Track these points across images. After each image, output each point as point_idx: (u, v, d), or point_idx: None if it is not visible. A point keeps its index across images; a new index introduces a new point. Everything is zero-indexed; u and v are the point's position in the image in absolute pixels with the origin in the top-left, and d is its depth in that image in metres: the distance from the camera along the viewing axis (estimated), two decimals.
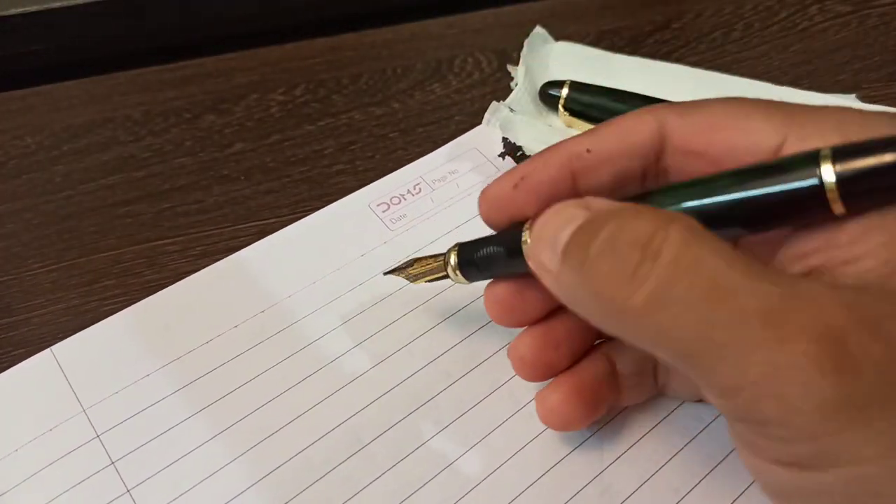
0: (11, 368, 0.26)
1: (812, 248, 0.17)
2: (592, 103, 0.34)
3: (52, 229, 0.31)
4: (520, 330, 0.23)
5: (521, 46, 0.37)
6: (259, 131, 0.36)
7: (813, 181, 0.16)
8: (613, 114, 0.22)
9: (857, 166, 0.15)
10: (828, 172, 0.16)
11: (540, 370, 0.23)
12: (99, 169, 0.34)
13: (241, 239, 0.31)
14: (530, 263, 0.20)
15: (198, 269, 0.29)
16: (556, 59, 0.38)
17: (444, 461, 0.24)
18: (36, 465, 0.23)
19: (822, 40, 0.40)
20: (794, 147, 0.18)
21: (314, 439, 0.24)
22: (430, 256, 0.25)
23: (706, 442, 0.24)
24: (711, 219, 0.18)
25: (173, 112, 0.36)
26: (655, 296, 0.15)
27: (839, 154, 0.16)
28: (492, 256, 0.22)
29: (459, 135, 0.35)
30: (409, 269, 0.25)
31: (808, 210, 0.17)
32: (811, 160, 0.16)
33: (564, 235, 0.18)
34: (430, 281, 0.25)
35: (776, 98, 0.19)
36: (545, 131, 0.34)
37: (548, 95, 0.35)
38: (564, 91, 0.34)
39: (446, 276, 0.24)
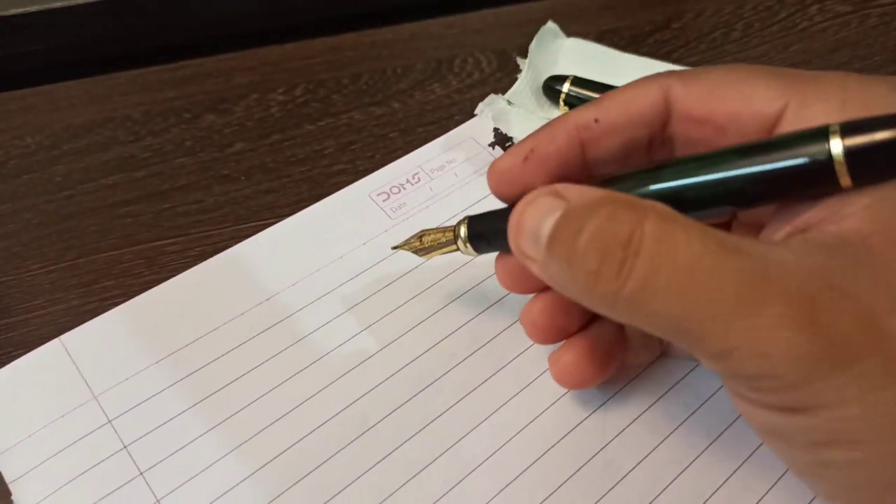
0: (22, 357, 0.26)
1: (805, 208, 0.18)
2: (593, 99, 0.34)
3: (52, 229, 0.31)
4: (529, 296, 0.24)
5: (521, 46, 0.37)
6: (259, 131, 0.36)
7: (822, 155, 0.17)
8: None
9: (864, 141, 0.16)
10: (836, 146, 0.16)
11: (552, 333, 0.24)
12: (99, 169, 0.34)
13: (242, 239, 0.30)
14: (514, 252, 0.20)
15: None
16: (565, 54, 0.38)
17: (451, 439, 0.24)
18: (50, 450, 0.24)
19: (822, 40, 0.40)
20: (795, 112, 0.19)
21: (323, 420, 0.25)
22: (439, 229, 0.25)
23: (705, 416, 0.25)
24: (715, 197, 0.18)
25: (173, 112, 0.36)
26: (640, 288, 0.17)
27: (847, 129, 0.16)
28: (501, 229, 0.23)
29: None
30: (418, 242, 0.26)
31: (814, 184, 0.17)
32: (820, 135, 0.17)
33: (546, 227, 0.19)
34: (439, 254, 0.25)
35: None
36: (540, 125, 0.34)
37: (551, 89, 0.35)
38: (566, 86, 0.34)
39: (455, 249, 0.25)
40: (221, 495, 0.23)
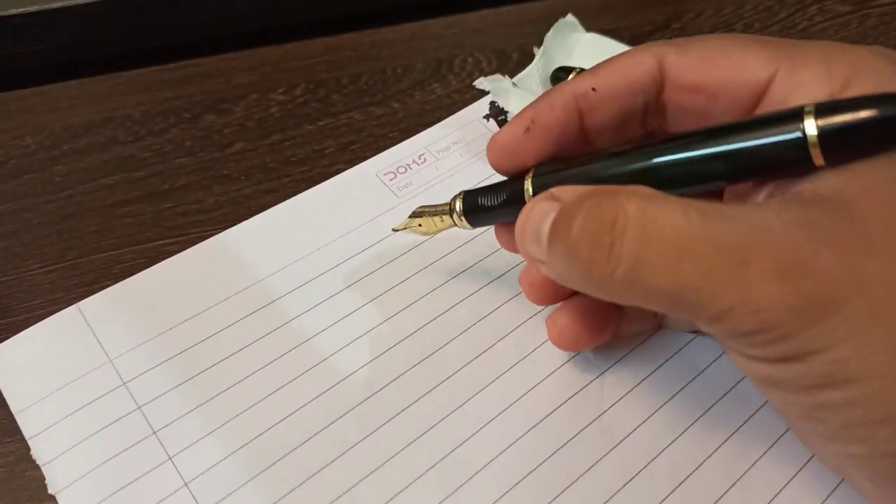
0: (39, 322, 0.27)
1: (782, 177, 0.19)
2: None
3: (52, 229, 0.31)
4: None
5: (522, 46, 0.37)
6: (259, 131, 0.36)
7: (797, 135, 0.17)
8: None
9: (837, 122, 0.17)
10: (811, 127, 0.17)
11: (547, 293, 0.25)
12: (99, 169, 0.34)
13: None
14: (524, 258, 0.21)
15: None
16: (581, 48, 0.38)
17: (455, 403, 0.25)
18: (67, 410, 0.25)
19: (821, 40, 0.40)
20: (784, 78, 0.19)
21: (329, 386, 0.26)
22: (435, 205, 0.26)
23: (700, 387, 0.25)
24: (698, 175, 0.19)
25: (173, 112, 0.36)
26: (632, 266, 0.17)
27: (822, 110, 0.17)
28: (495, 204, 0.24)
29: None
30: (418, 220, 0.27)
31: (790, 163, 0.18)
32: (796, 116, 0.17)
33: (545, 228, 0.19)
34: (438, 230, 0.26)
35: None
36: None
37: (557, 80, 0.35)
38: (571, 77, 0.34)
39: (453, 224, 0.26)
40: (229, 455, 0.24)
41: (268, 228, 0.31)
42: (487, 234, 0.30)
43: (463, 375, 0.26)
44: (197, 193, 0.33)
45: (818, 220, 0.17)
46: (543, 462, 0.24)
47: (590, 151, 0.23)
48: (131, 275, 0.29)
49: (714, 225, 0.17)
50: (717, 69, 0.20)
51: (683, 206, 0.17)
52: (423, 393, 0.25)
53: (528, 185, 0.22)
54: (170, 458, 0.24)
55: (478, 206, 0.24)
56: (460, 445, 0.24)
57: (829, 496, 0.23)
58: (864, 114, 0.17)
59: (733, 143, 0.19)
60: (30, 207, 0.32)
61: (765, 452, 0.24)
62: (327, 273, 0.29)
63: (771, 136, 0.18)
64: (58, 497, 0.23)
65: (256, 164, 0.34)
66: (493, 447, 0.24)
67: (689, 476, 0.23)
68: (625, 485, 0.23)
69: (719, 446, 0.24)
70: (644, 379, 0.26)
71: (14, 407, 0.25)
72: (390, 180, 0.33)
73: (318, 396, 0.25)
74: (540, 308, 0.28)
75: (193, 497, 0.23)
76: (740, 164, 0.19)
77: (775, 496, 0.23)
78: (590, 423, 0.25)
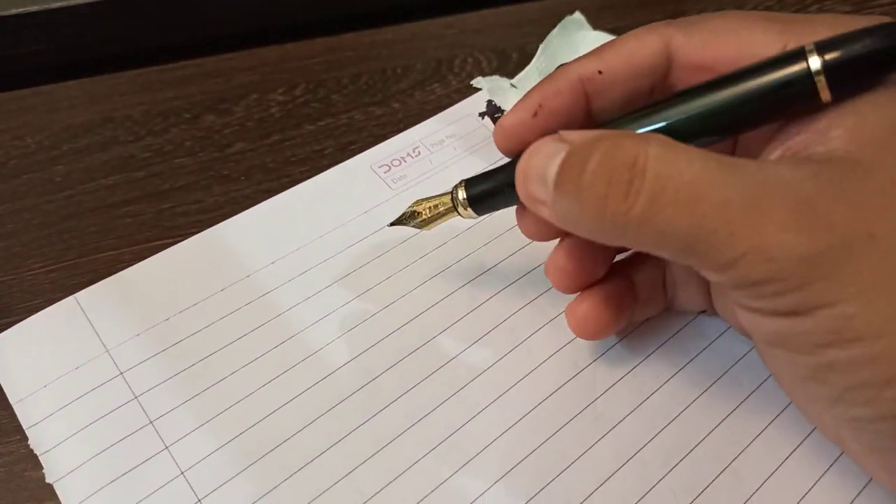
0: (38, 313, 0.27)
1: (794, 134, 0.19)
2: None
3: (52, 229, 0.31)
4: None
5: (521, 46, 0.37)
6: (259, 131, 0.36)
7: (802, 70, 0.18)
8: None
9: (839, 55, 0.18)
10: (815, 62, 0.18)
11: (579, 277, 0.24)
12: (99, 169, 0.34)
13: None
14: (522, 199, 0.21)
15: None
16: (588, 46, 0.38)
17: (449, 392, 0.25)
18: (65, 399, 0.25)
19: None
20: None
21: (326, 374, 0.26)
22: (434, 197, 0.26)
23: (691, 373, 0.26)
24: (710, 125, 0.20)
25: (173, 112, 0.36)
26: (650, 205, 0.17)
27: (823, 46, 0.18)
28: (500, 188, 0.23)
29: None
30: (416, 210, 0.26)
31: (798, 100, 0.19)
32: (799, 55, 0.18)
33: (552, 168, 0.19)
34: (439, 223, 0.26)
35: None
36: None
37: None
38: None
39: (455, 214, 0.25)
40: (226, 443, 0.24)
41: (262, 220, 0.31)
42: (481, 224, 0.30)
43: (459, 363, 0.26)
44: (197, 193, 0.33)
45: (832, 177, 0.17)
46: (539, 447, 0.24)
47: None
48: None
49: (731, 173, 0.17)
50: (724, 48, 0.20)
51: (702, 153, 0.18)
52: (420, 380, 0.26)
53: None
54: (166, 448, 0.24)
55: (483, 192, 0.24)
56: (457, 431, 0.24)
57: (819, 478, 0.23)
58: (862, 43, 0.18)
59: (742, 86, 0.19)
60: (30, 207, 0.32)
61: (756, 437, 0.24)
62: (322, 264, 0.29)
63: (777, 74, 0.18)
64: (56, 486, 0.23)
65: (256, 165, 0.34)
66: (490, 432, 0.24)
67: (681, 461, 0.24)
68: (618, 469, 0.24)
69: (711, 431, 0.24)
70: (636, 365, 0.26)
71: (12, 397, 0.25)
72: (385, 173, 0.33)
73: (315, 384, 0.26)
74: (534, 296, 0.28)
75: (190, 486, 0.23)
76: (750, 107, 0.19)
77: (766, 480, 0.23)
78: (583, 409, 0.25)
